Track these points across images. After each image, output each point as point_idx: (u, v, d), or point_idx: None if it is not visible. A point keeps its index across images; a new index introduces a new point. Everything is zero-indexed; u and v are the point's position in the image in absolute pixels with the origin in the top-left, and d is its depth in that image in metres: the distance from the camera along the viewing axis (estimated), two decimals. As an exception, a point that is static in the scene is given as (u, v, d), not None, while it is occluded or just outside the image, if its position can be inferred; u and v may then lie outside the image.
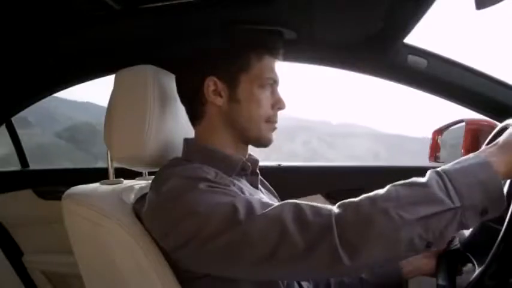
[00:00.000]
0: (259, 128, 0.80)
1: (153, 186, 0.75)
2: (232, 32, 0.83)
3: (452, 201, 0.56)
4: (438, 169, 0.60)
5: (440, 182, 0.58)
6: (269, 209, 0.63)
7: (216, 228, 0.62)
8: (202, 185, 0.67)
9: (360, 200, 0.61)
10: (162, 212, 0.69)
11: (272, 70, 0.81)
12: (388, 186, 0.61)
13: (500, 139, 0.62)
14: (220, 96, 0.79)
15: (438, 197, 0.56)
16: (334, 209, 0.61)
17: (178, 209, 0.66)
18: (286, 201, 0.65)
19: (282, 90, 0.84)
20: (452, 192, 0.56)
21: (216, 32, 0.83)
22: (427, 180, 0.59)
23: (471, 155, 0.61)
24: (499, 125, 0.77)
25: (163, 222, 0.69)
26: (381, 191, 0.61)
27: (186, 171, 0.72)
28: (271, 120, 0.81)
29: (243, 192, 0.73)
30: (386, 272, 0.91)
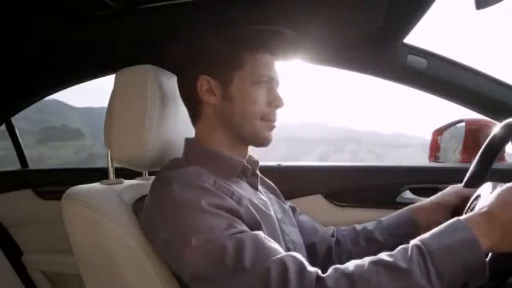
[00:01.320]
0: (253, 126, 0.78)
1: (152, 188, 0.75)
2: (224, 31, 0.82)
3: (433, 287, 0.54)
4: (422, 245, 0.58)
5: (422, 265, 0.56)
6: (259, 262, 0.61)
7: (200, 271, 0.63)
8: (201, 200, 0.65)
9: (339, 279, 0.57)
10: (157, 218, 0.69)
11: (268, 67, 0.80)
12: (370, 263, 0.58)
13: (488, 206, 0.59)
14: (214, 94, 0.78)
15: (419, 284, 0.54)
16: (316, 281, 0.58)
17: (173, 224, 0.66)
18: (275, 258, 0.61)
19: (282, 89, 0.83)
20: (434, 277, 0.54)
21: (208, 31, 0.82)
22: (409, 265, 0.56)
23: (457, 222, 0.58)
24: (497, 125, 0.77)
25: (157, 228, 0.69)
26: (363, 267, 0.58)
27: (186, 176, 0.71)
28: (267, 118, 0.79)
29: (240, 200, 0.72)
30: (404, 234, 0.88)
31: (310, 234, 0.95)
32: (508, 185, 0.62)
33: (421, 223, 0.89)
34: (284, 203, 0.95)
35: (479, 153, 0.81)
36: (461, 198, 0.87)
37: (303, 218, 0.99)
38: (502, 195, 0.59)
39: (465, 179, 0.84)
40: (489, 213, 0.58)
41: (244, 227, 0.66)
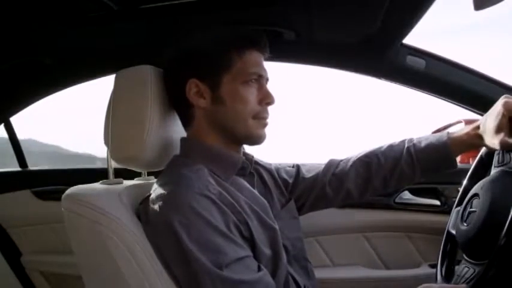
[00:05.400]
0: (246, 126, 0.78)
1: (159, 189, 0.74)
2: (209, 31, 0.81)
3: None
4: None
5: None
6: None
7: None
8: (212, 216, 0.67)
9: None
10: (166, 227, 0.68)
11: (256, 64, 0.78)
12: None
13: None
14: (203, 97, 0.77)
15: None
16: None
17: (172, 239, 0.67)
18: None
19: (271, 86, 0.81)
20: None
21: (196, 33, 0.82)
22: None
23: None
24: None
25: (164, 236, 0.69)
26: None
27: (194, 181, 0.71)
28: (259, 117, 0.79)
29: (240, 213, 0.72)
30: (438, 159, 0.87)
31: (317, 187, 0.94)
32: None
33: (456, 154, 0.86)
34: (284, 191, 0.93)
35: None
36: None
37: (308, 174, 0.96)
38: None
39: None
40: None
41: (248, 251, 0.70)
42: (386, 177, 0.90)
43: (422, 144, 0.88)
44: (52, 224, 1.44)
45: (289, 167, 0.99)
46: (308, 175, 0.95)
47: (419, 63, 1.13)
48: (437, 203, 1.34)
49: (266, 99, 0.79)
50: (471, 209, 0.77)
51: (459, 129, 0.86)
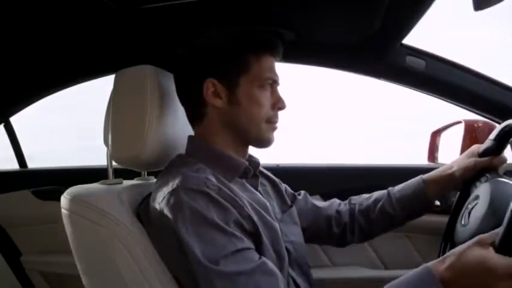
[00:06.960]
0: (259, 129, 0.79)
1: (159, 188, 0.74)
2: (230, 33, 0.82)
3: None
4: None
5: None
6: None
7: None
8: (209, 212, 0.67)
9: None
10: (167, 227, 0.68)
11: (271, 70, 0.80)
12: None
13: (459, 259, 0.55)
14: (220, 98, 0.78)
15: None
16: None
17: (172, 237, 0.67)
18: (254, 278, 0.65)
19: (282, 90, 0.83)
20: None
21: (214, 32, 0.82)
22: None
23: (427, 274, 0.58)
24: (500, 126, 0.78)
25: (166, 236, 0.69)
26: None
27: (191, 179, 0.71)
28: (271, 121, 0.81)
29: (242, 208, 0.71)
30: (415, 204, 0.95)
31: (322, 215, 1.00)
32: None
33: (432, 196, 0.94)
34: (287, 200, 0.95)
35: (497, 127, 0.84)
36: (475, 170, 0.88)
37: (316, 203, 1.03)
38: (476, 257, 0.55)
39: (481, 150, 0.87)
40: (459, 266, 0.55)
41: (248, 244, 0.69)
42: (370, 216, 0.98)
43: (401, 186, 0.97)
44: (52, 223, 1.43)
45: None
46: (317, 204, 1.02)
47: (419, 63, 1.14)
48: (437, 203, 1.34)
49: (278, 104, 0.81)
50: (470, 209, 0.77)
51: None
